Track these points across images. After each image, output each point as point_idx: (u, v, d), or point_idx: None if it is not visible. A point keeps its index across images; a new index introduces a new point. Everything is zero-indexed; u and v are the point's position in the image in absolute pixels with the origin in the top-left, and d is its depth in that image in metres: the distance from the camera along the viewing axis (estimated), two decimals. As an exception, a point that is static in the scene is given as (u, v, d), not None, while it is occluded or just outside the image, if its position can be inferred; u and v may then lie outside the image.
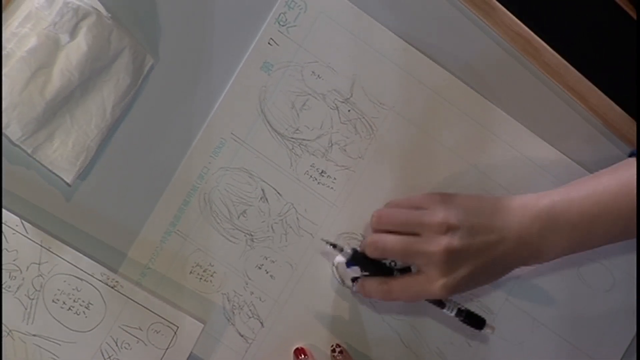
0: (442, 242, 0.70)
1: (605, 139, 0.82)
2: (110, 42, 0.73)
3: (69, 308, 0.76)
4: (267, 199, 0.79)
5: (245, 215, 0.78)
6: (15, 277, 0.75)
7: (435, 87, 0.79)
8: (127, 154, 0.76)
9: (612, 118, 0.81)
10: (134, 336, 0.76)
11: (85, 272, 0.76)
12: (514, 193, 0.77)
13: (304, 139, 0.79)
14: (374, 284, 0.75)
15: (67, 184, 0.75)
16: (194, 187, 0.78)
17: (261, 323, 0.79)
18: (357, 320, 0.80)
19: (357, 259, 0.75)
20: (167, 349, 0.77)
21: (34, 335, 0.75)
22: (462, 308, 0.76)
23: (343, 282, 0.79)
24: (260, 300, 0.79)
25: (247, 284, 0.79)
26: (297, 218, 0.79)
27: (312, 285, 0.79)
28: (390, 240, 0.72)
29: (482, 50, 0.80)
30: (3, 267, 0.74)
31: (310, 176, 0.79)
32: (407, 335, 0.81)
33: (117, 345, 0.76)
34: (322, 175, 0.79)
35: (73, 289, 0.76)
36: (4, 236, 0.74)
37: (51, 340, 0.76)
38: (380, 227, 0.74)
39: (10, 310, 0.75)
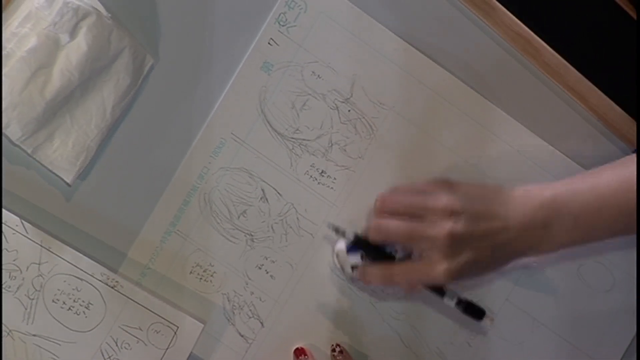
0: (446, 227, 0.69)
1: (605, 139, 0.82)
2: (110, 42, 0.73)
3: (69, 308, 0.76)
4: (267, 199, 0.79)
5: (245, 215, 0.78)
6: (15, 277, 0.75)
7: (435, 87, 0.79)
8: (127, 154, 0.76)
9: (612, 118, 0.81)
10: (134, 336, 0.76)
11: (85, 272, 0.76)
12: (514, 193, 0.77)
13: (304, 139, 0.79)
14: (375, 269, 0.74)
15: (67, 184, 0.75)
16: (194, 187, 0.78)
17: (261, 323, 0.79)
18: (357, 320, 0.80)
19: (359, 243, 0.75)
20: (167, 349, 0.77)
21: (34, 335, 0.75)
22: (462, 298, 0.76)
23: (343, 269, 0.78)
24: (260, 300, 0.79)
25: (247, 284, 0.79)
26: (297, 218, 0.79)
27: (312, 285, 0.79)
28: (394, 223, 0.72)
29: (482, 50, 0.80)
30: (3, 267, 0.74)
31: (310, 176, 0.79)
32: (407, 335, 0.81)
33: (117, 345, 0.76)
34: (322, 175, 0.79)
35: (73, 289, 0.76)
36: (4, 236, 0.74)
37: (51, 340, 0.76)
38: (385, 209, 0.74)
39: (10, 310, 0.75)
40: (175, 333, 0.77)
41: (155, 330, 0.77)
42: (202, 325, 0.77)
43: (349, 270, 0.77)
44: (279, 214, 0.79)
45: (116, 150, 0.76)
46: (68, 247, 0.75)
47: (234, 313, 0.79)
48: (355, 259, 0.76)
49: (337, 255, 0.78)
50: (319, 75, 0.78)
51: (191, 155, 0.77)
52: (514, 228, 0.70)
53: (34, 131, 0.72)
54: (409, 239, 0.72)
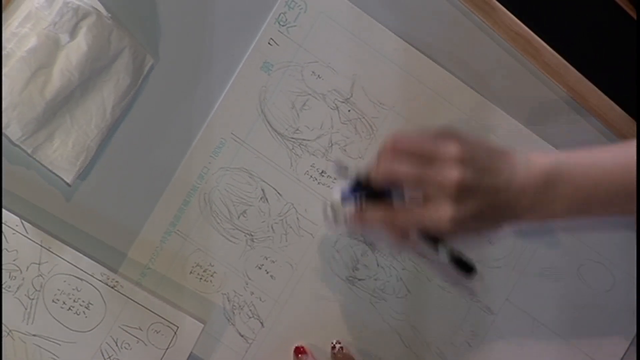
0: (455, 174, 0.68)
1: (605, 139, 0.82)
2: (110, 42, 0.73)
3: (69, 308, 0.76)
4: (267, 199, 0.79)
5: (245, 215, 0.78)
6: (15, 277, 0.75)
7: (435, 87, 0.79)
8: (127, 154, 0.76)
9: (612, 118, 0.81)
10: (134, 336, 0.76)
11: (85, 272, 0.75)
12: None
13: (304, 139, 0.79)
14: (376, 211, 0.71)
15: (67, 184, 0.75)
16: (194, 187, 0.78)
17: (261, 323, 0.79)
18: (358, 321, 0.80)
19: (360, 185, 0.71)
20: (167, 349, 0.77)
21: (34, 335, 0.75)
22: (455, 252, 0.73)
23: (336, 219, 0.74)
24: (260, 300, 0.79)
25: (247, 284, 0.79)
26: (297, 218, 0.79)
27: (312, 285, 0.79)
28: (404, 165, 0.69)
29: (482, 50, 0.80)
30: (3, 267, 0.74)
31: (311, 176, 0.79)
32: (407, 335, 0.81)
33: (117, 345, 0.76)
34: (322, 175, 0.79)
35: (73, 289, 0.75)
36: (4, 236, 0.74)
37: (51, 340, 0.76)
38: (396, 150, 0.70)
39: (10, 310, 0.75)
40: (175, 333, 0.77)
41: (155, 330, 0.77)
42: (202, 325, 0.77)
43: (342, 218, 0.73)
44: (279, 214, 0.79)
45: (116, 150, 0.76)
46: (68, 247, 0.75)
47: (234, 313, 0.79)
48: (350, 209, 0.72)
49: (331, 206, 0.74)
50: (319, 75, 0.78)
51: (191, 155, 0.77)
52: (514, 188, 0.69)
53: (34, 131, 0.72)
54: (417, 183, 0.69)
